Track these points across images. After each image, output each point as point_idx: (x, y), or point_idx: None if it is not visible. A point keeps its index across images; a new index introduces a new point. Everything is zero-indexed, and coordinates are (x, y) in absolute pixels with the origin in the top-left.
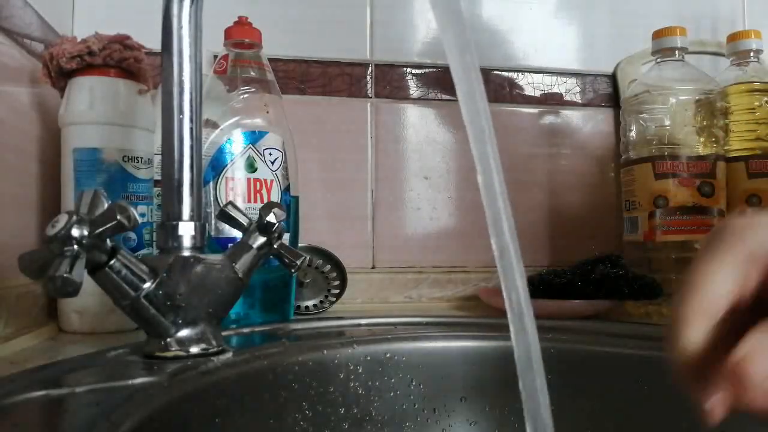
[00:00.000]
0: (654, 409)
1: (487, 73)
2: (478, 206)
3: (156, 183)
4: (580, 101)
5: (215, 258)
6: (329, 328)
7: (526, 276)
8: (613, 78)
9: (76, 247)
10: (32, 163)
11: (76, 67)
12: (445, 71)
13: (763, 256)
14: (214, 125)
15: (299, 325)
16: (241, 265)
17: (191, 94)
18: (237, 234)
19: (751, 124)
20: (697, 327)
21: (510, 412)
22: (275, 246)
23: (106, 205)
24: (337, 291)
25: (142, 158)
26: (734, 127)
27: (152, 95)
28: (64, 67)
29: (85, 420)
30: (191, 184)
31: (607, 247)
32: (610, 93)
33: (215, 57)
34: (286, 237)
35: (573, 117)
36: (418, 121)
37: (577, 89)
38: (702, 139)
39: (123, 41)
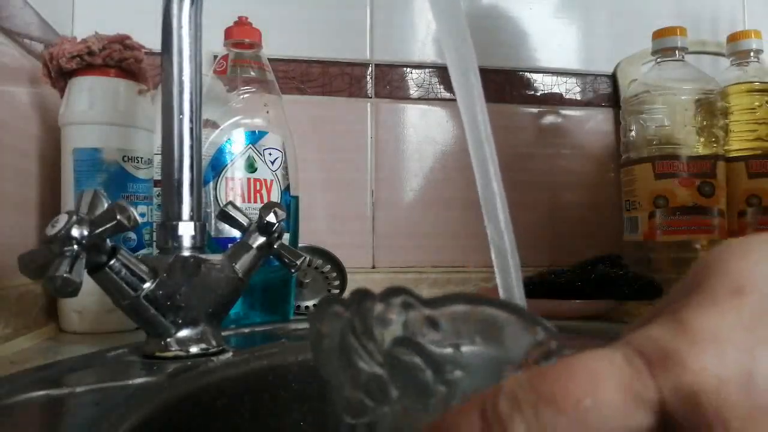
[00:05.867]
0: None
1: (486, 73)
2: (478, 206)
3: (156, 183)
4: (580, 101)
5: (215, 258)
6: None
7: (523, 276)
8: (613, 78)
9: (76, 247)
10: (32, 163)
11: (76, 67)
12: (444, 71)
13: None
14: (214, 125)
15: (299, 325)
16: (241, 265)
17: (191, 94)
18: (237, 234)
19: (751, 124)
20: None
21: None
22: (275, 246)
23: (106, 205)
24: (337, 291)
25: (142, 158)
26: (734, 127)
27: (152, 95)
28: (64, 67)
29: (85, 420)
30: (191, 184)
31: (607, 247)
32: (610, 93)
33: (215, 57)
34: (286, 237)
35: (573, 117)
36: (418, 121)
37: (577, 89)
38: (702, 139)
39: (123, 41)
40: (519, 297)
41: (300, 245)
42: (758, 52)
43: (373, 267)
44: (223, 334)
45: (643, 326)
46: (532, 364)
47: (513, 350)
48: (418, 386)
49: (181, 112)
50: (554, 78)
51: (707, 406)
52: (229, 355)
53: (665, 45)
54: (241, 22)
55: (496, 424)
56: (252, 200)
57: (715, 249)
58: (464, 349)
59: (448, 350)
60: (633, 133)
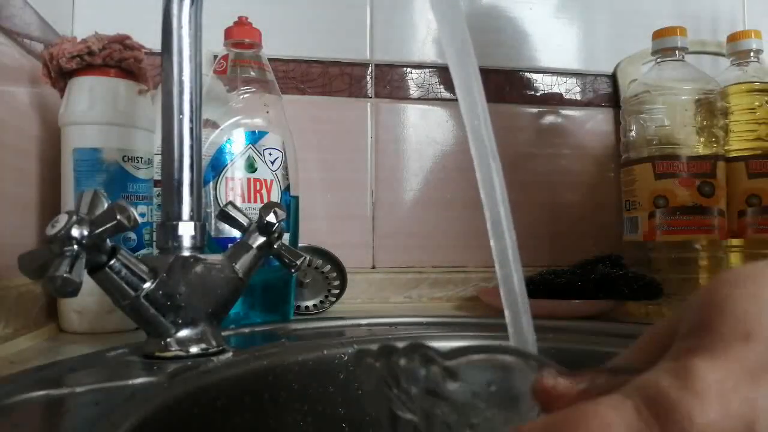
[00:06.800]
0: None
1: (486, 73)
2: (478, 206)
3: (156, 183)
4: (580, 101)
5: (215, 258)
6: (329, 328)
7: (524, 276)
8: (613, 78)
9: (76, 247)
10: (32, 163)
11: (76, 67)
12: (445, 71)
13: None
14: (214, 125)
15: (299, 325)
16: (241, 265)
17: (191, 94)
18: (237, 234)
19: (751, 124)
20: None
21: None
22: (275, 246)
23: (106, 205)
24: (337, 291)
25: (142, 158)
26: (734, 127)
27: (152, 95)
28: (64, 67)
29: (85, 420)
30: (191, 184)
31: (607, 247)
32: (610, 93)
33: (215, 57)
34: (286, 237)
35: (573, 117)
36: (418, 121)
37: (577, 89)
38: (702, 139)
39: (123, 41)
40: (520, 297)
41: (300, 245)
42: (758, 52)
43: (373, 267)
44: (223, 334)
45: (652, 369)
46: (545, 406)
47: (524, 391)
48: (447, 430)
49: (181, 112)
50: (554, 78)
51: None
52: (229, 355)
53: (665, 45)
54: (241, 22)
55: None
56: (252, 200)
57: (724, 285)
58: (481, 395)
59: (468, 397)
60: (633, 133)
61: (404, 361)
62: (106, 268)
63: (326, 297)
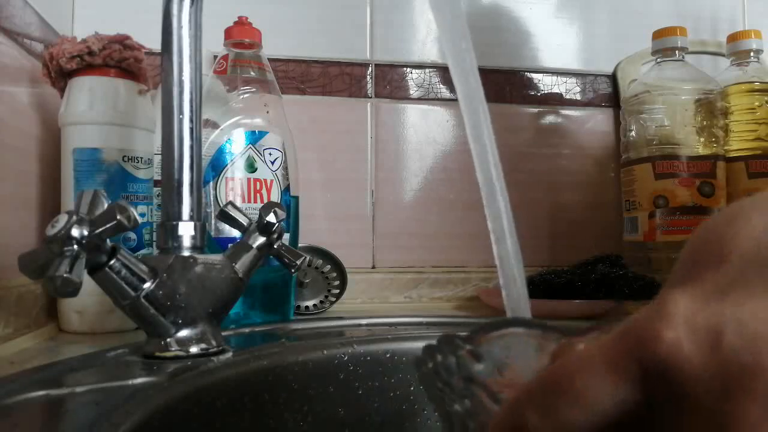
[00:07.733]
0: None
1: (486, 73)
2: (478, 206)
3: (156, 183)
4: (580, 101)
5: (215, 258)
6: (329, 328)
7: (525, 276)
8: (613, 78)
9: (76, 247)
10: (32, 163)
11: (76, 67)
12: (445, 71)
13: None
14: (214, 125)
15: (299, 325)
16: (241, 265)
17: (191, 94)
18: (237, 234)
19: (751, 124)
20: None
21: None
22: (275, 246)
23: (106, 205)
24: (337, 291)
25: (142, 158)
26: (734, 127)
27: (152, 95)
28: (64, 67)
29: (85, 420)
30: (191, 184)
31: (607, 247)
32: (610, 93)
33: (215, 57)
34: (286, 237)
35: (573, 117)
36: (418, 121)
37: (577, 89)
38: (702, 139)
39: (123, 41)
40: (522, 298)
41: (300, 245)
42: (758, 52)
43: (373, 267)
44: (223, 334)
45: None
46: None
47: (540, 358)
48: (480, 412)
49: (181, 112)
50: (554, 78)
51: (685, 376)
52: (229, 355)
53: (665, 45)
54: (241, 22)
55: (516, 415)
56: (252, 200)
57: (709, 220)
58: (504, 370)
59: (494, 374)
60: (633, 133)
61: (440, 357)
62: (106, 268)
63: (326, 297)
